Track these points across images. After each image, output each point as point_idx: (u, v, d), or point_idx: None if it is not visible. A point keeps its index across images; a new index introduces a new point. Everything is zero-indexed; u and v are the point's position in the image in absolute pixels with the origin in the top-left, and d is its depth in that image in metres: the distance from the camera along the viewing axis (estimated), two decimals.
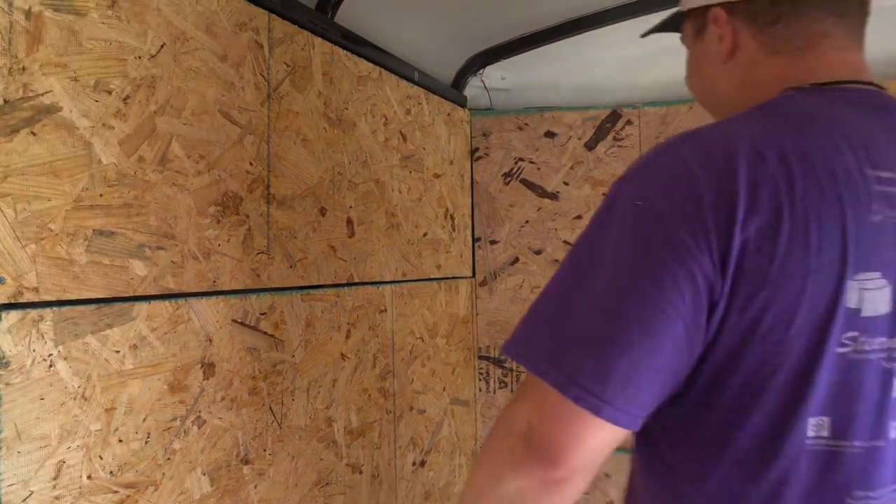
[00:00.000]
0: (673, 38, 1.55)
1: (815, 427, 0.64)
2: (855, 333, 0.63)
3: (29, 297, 0.77)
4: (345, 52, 1.39)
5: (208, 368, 1.01)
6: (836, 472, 0.64)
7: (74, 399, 0.81)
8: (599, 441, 0.63)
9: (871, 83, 0.78)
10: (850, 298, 0.62)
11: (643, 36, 1.08)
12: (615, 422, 0.62)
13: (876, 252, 0.63)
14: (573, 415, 0.63)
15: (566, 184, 2.01)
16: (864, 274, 0.62)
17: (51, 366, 0.79)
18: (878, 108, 0.74)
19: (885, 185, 0.66)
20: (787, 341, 0.62)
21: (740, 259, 0.61)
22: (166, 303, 0.94)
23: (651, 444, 0.73)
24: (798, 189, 0.62)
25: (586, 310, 0.64)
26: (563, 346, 0.64)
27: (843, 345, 0.63)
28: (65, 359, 0.81)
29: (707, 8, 0.82)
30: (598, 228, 0.67)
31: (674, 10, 0.94)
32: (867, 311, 0.63)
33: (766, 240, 0.61)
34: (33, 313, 0.77)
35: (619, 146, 1.98)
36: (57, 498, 0.79)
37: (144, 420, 0.90)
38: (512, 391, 2.02)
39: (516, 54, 1.95)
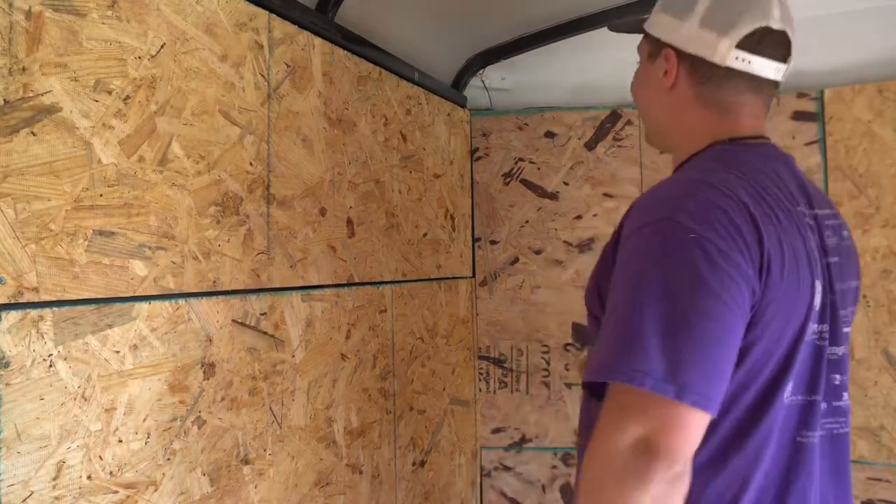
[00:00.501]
0: None
1: (789, 390, 0.87)
2: (816, 325, 0.87)
3: (29, 297, 0.77)
4: (345, 52, 1.39)
5: (208, 368, 1.01)
6: (791, 419, 0.88)
7: (74, 399, 0.81)
8: (702, 431, 0.78)
9: (764, 137, 1.00)
10: (816, 299, 0.86)
11: (611, 28, 1.20)
12: (714, 413, 0.77)
13: (816, 264, 0.88)
14: (689, 417, 0.76)
15: (566, 184, 2.01)
16: (817, 281, 0.87)
17: (51, 366, 0.79)
18: (780, 158, 0.98)
19: (827, 219, 0.95)
20: (782, 336, 0.84)
21: (767, 269, 0.81)
22: (166, 303, 0.94)
23: None
24: (781, 220, 0.86)
25: (679, 328, 0.77)
26: (671, 361, 0.76)
27: (813, 334, 0.88)
28: (65, 359, 0.80)
29: (663, 42, 0.99)
30: (662, 258, 0.81)
31: (642, 21, 1.06)
32: (815, 306, 0.87)
33: (776, 257, 0.82)
34: (33, 313, 0.77)
35: (619, 146, 1.98)
36: (57, 498, 0.79)
37: (144, 420, 0.90)
38: (512, 391, 2.02)
39: (516, 54, 1.95)
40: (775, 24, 0.94)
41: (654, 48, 1.01)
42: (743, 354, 0.82)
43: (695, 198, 0.83)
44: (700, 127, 0.98)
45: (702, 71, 0.96)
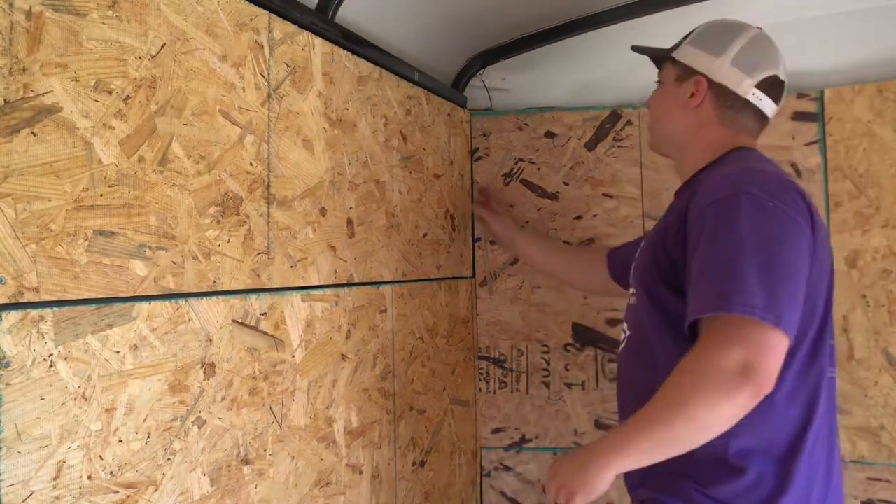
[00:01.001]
0: (672, 41, 1.55)
1: (830, 336, 1.15)
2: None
3: (29, 297, 0.77)
4: (345, 52, 1.39)
5: (208, 368, 1.01)
6: (827, 355, 1.14)
7: (75, 399, 0.82)
8: (783, 356, 0.99)
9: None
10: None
11: (635, 49, 1.44)
12: (792, 339, 1.00)
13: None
14: (781, 345, 0.98)
15: (566, 184, 2.01)
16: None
17: (51, 366, 0.79)
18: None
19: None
20: (821, 284, 1.12)
21: (812, 229, 1.08)
22: (166, 303, 0.94)
23: None
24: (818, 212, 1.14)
25: (773, 268, 1.00)
26: (770, 297, 0.97)
27: (831, 288, 1.16)
28: (65, 359, 0.81)
29: (694, 70, 1.28)
30: (749, 218, 1.03)
31: (669, 51, 1.35)
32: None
33: (816, 221, 1.11)
34: (33, 313, 0.77)
35: (619, 146, 1.98)
36: (57, 498, 0.79)
37: (145, 420, 0.90)
38: (512, 391, 2.02)
39: (517, 55, 1.95)
40: (781, 75, 1.27)
41: (683, 74, 1.30)
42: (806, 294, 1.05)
43: (760, 177, 1.11)
44: (719, 141, 1.26)
45: (726, 98, 1.25)
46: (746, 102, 1.25)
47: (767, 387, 0.95)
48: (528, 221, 2.02)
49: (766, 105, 1.26)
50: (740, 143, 1.26)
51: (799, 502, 1.08)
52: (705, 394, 0.96)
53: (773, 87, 1.26)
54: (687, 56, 1.29)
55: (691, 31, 1.33)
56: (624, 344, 1.30)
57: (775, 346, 0.97)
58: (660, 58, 1.37)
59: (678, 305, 1.11)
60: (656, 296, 1.18)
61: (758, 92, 1.24)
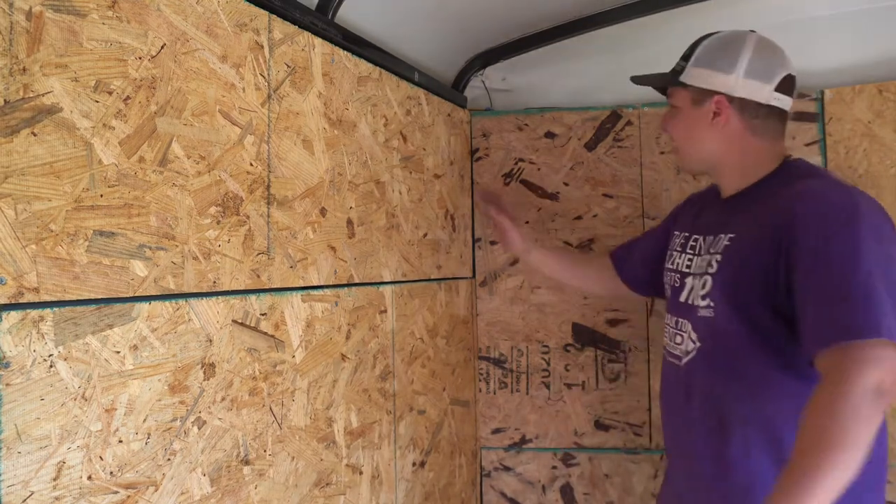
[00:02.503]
0: (672, 41, 1.55)
1: None
2: None
3: (29, 297, 0.77)
4: (345, 52, 1.39)
5: (208, 369, 1.01)
6: None
7: (75, 399, 0.81)
8: None
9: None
10: None
11: (635, 81, 1.44)
12: None
13: None
14: None
15: (566, 184, 2.01)
16: None
17: (51, 366, 0.79)
18: None
19: None
20: None
21: None
22: (167, 303, 0.94)
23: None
24: None
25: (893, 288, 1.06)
26: (892, 317, 1.03)
27: None
28: (65, 359, 0.81)
29: (711, 91, 1.30)
30: (877, 243, 1.09)
31: (675, 76, 1.35)
32: None
33: None
34: (34, 314, 0.77)
35: (619, 147, 1.98)
36: (57, 498, 0.79)
37: (145, 420, 0.90)
38: (512, 392, 2.02)
39: (517, 55, 1.95)
40: (792, 71, 1.29)
41: (698, 96, 1.32)
42: None
43: (867, 201, 1.16)
44: (764, 152, 1.31)
45: (750, 110, 1.28)
46: (770, 108, 1.28)
47: (890, 404, 1.03)
48: (527, 222, 2.03)
49: (786, 103, 1.29)
50: (784, 151, 1.32)
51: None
52: (861, 420, 1.01)
53: (789, 85, 1.29)
54: (698, 78, 1.31)
55: (690, 52, 1.34)
56: (694, 354, 1.31)
57: None
58: (665, 83, 1.39)
59: (773, 323, 1.18)
60: (749, 313, 1.21)
61: (778, 94, 1.27)
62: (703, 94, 1.31)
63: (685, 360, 1.32)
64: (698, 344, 1.30)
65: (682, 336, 1.34)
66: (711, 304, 1.26)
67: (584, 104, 2.00)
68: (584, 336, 2.00)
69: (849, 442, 1.00)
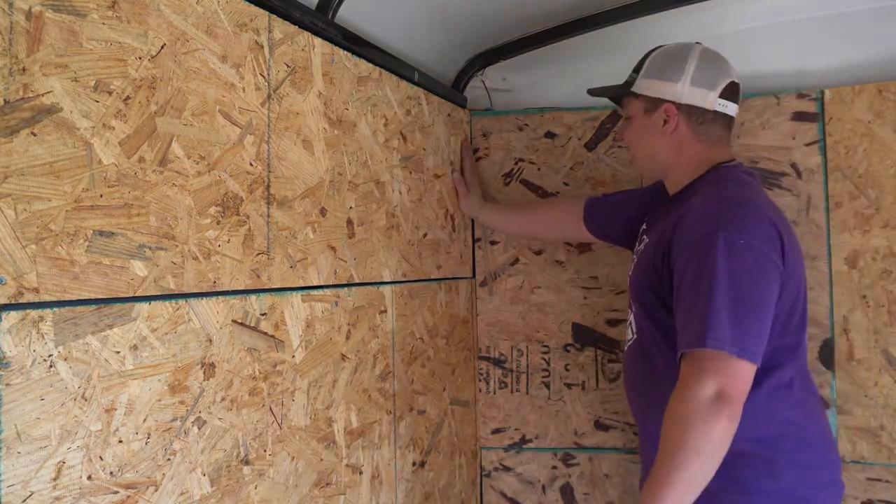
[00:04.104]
0: (671, 41, 1.55)
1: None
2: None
3: (29, 297, 0.77)
4: (345, 52, 1.39)
5: (208, 369, 1.01)
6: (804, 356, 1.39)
7: (74, 399, 0.82)
8: (751, 379, 1.16)
9: (735, 160, 1.44)
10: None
11: (592, 93, 1.56)
12: (758, 364, 1.17)
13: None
14: (747, 370, 1.15)
15: (566, 184, 2.01)
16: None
17: (51, 366, 0.79)
18: (754, 175, 1.46)
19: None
20: (797, 295, 1.30)
21: (783, 256, 1.24)
22: (166, 303, 0.94)
23: None
24: (782, 218, 1.32)
25: (742, 306, 1.15)
26: (736, 332, 1.13)
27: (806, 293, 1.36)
28: (65, 359, 0.81)
29: (660, 99, 1.40)
30: (724, 259, 1.17)
31: (627, 87, 1.47)
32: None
33: (788, 246, 1.26)
34: (33, 314, 0.77)
35: (620, 147, 1.98)
36: (57, 499, 0.79)
37: (145, 420, 0.90)
38: (512, 392, 2.02)
39: (517, 55, 1.95)
40: (736, 79, 1.41)
41: (650, 105, 1.43)
42: (776, 317, 1.22)
43: (737, 211, 1.24)
44: (699, 157, 1.41)
45: (696, 115, 1.39)
46: (715, 114, 1.39)
47: (739, 402, 1.12)
48: None
49: (731, 109, 1.40)
50: (718, 157, 1.41)
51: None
52: (696, 425, 1.11)
53: (732, 92, 1.40)
54: (649, 88, 1.42)
55: (641, 64, 1.45)
56: (629, 344, 1.49)
57: (743, 374, 1.14)
58: (620, 94, 1.50)
59: (668, 318, 1.28)
60: (652, 311, 1.35)
61: (721, 101, 1.38)
62: (654, 103, 1.41)
63: (626, 347, 1.51)
64: (634, 336, 1.46)
65: (628, 324, 1.51)
66: (632, 303, 1.44)
67: (584, 104, 2.00)
68: (584, 336, 2.00)
69: (689, 445, 1.11)
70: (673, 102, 1.39)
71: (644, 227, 1.56)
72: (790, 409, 1.30)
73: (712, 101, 1.38)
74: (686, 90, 1.38)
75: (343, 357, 1.35)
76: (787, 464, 1.26)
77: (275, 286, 1.16)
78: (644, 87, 1.43)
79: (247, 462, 1.08)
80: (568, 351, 2.00)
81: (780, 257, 1.23)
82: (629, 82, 1.46)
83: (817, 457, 1.32)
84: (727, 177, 1.36)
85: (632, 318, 1.47)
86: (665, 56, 1.42)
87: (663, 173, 1.49)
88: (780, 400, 1.28)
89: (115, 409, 0.86)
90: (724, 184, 1.34)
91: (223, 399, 1.04)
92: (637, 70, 1.45)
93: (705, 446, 1.10)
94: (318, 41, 1.30)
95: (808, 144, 1.83)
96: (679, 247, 1.25)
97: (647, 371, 1.39)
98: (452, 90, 1.98)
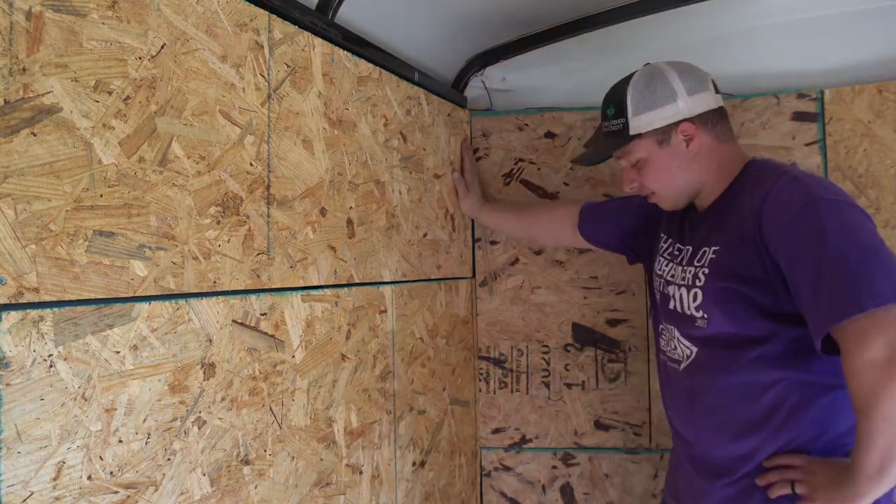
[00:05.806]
0: (671, 42, 1.55)
1: None
2: None
3: (29, 297, 0.77)
4: (345, 52, 1.39)
5: (208, 369, 1.01)
6: None
7: (74, 399, 0.82)
8: None
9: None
10: None
11: (577, 163, 1.51)
12: None
13: None
14: None
15: (566, 184, 2.01)
16: None
17: (51, 366, 0.79)
18: None
19: None
20: None
21: None
22: (166, 303, 0.94)
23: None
24: None
25: (878, 258, 1.10)
26: (886, 283, 1.06)
27: None
28: (65, 359, 0.81)
29: (671, 125, 1.34)
30: (838, 220, 1.14)
31: (624, 134, 1.37)
32: None
33: None
34: (33, 314, 0.77)
35: None
36: (57, 498, 0.79)
37: (145, 420, 0.90)
38: (512, 391, 2.02)
39: (517, 55, 1.95)
40: (710, 73, 1.39)
41: (661, 136, 1.35)
42: None
43: (818, 182, 1.22)
44: (730, 157, 1.36)
45: (710, 121, 1.35)
46: (719, 109, 1.37)
47: None
48: None
49: (721, 101, 1.39)
50: (744, 154, 1.38)
51: None
52: (885, 393, 1.05)
53: (716, 84, 1.39)
54: (650, 122, 1.34)
55: (619, 109, 1.37)
56: (692, 359, 1.37)
57: None
58: (610, 150, 1.42)
59: (763, 323, 1.24)
60: (740, 318, 1.27)
61: (717, 95, 1.37)
62: (665, 132, 1.34)
63: (684, 364, 1.39)
64: (695, 349, 1.36)
65: (675, 342, 1.41)
66: (705, 315, 1.32)
67: (584, 104, 2.00)
68: (584, 336, 2.00)
69: (888, 417, 1.05)
70: (687, 119, 1.33)
71: (668, 238, 1.49)
72: None
73: (714, 99, 1.35)
74: (689, 102, 1.33)
75: (343, 357, 1.35)
76: None
77: (275, 286, 1.16)
78: (644, 123, 1.34)
79: (247, 462, 1.08)
80: (568, 351, 2.00)
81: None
82: (621, 130, 1.36)
83: None
84: (769, 167, 1.32)
85: (678, 333, 1.39)
86: (641, 88, 1.35)
87: (696, 193, 1.40)
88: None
89: (115, 409, 0.86)
90: (777, 170, 1.28)
91: (223, 399, 1.04)
92: (617, 116, 1.37)
93: (893, 409, 1.04)
94: (318, 41, 1.30)
95: (808, 144, 1.83)
96: (777, 227, 1.18)
97: (727, 385, 1.30)
98: (452, 90, 1.98)
